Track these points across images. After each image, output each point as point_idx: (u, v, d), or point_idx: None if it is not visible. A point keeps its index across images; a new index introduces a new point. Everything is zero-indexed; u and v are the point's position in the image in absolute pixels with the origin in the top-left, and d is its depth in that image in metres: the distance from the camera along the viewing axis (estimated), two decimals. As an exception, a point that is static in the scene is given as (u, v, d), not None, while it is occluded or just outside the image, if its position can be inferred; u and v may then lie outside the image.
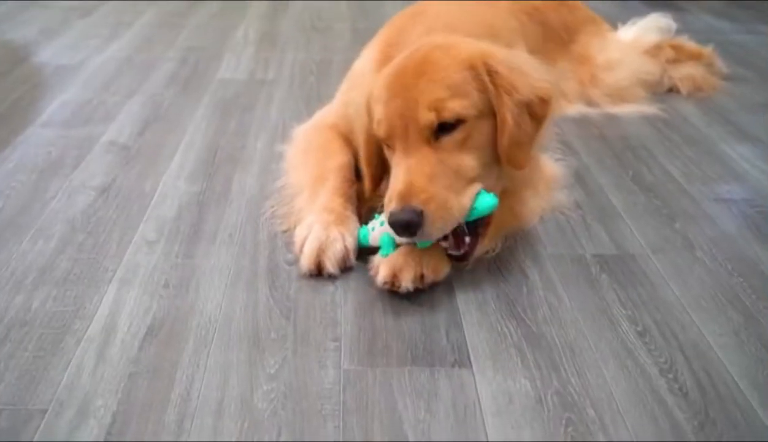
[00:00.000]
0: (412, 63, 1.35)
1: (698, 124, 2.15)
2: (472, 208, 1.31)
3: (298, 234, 1.44)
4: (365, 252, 1.44)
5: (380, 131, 1.36)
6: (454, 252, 1.35)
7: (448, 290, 1.36)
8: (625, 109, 2.22)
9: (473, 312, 1.31)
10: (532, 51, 2.02)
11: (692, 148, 1.99)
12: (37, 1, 3.42)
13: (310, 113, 1.92)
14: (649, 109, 2.23)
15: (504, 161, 1.36)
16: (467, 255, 1.35)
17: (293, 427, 1.06)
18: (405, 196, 1.26)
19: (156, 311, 1.30)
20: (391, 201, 1.28)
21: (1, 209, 1.62)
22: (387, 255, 1.34)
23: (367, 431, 1.05)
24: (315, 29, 3.10)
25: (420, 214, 1.24)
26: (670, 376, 1.17)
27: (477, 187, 1.33)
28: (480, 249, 1.39)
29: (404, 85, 1.33)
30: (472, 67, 1.32)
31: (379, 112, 1.36)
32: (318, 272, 1.39)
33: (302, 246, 1.41)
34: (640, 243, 1.54)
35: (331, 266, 1.38)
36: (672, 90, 2.38)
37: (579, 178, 1.79)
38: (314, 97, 2.28)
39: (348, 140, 1.63)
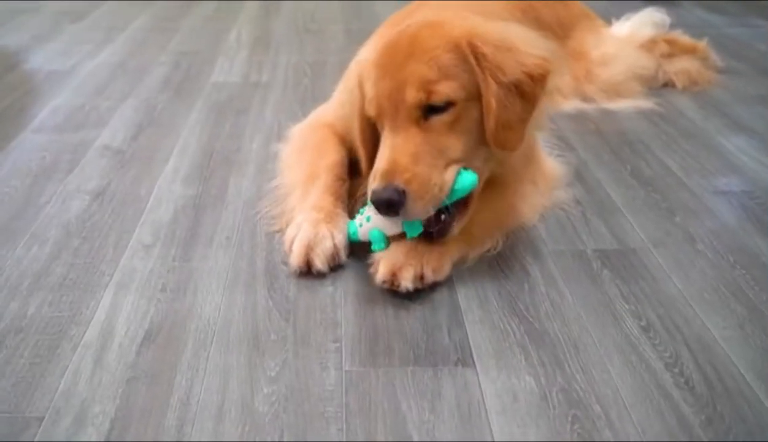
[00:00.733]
0: (402, 42, 1.33)
1: (694, 118, 2.15)
2: (453, 189, 1.30)
3: (288, 233, 1.44)
4: (363, 251, 1.43)
5: (371, 110, 1.35)
6: (430, 229, 1.33)
7: (449, 288, 1.35)
8: (620, 104, 2.22)
9: (475, 310, 1.30)
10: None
11: (689, 141, 1.99)
12: (28, 7, 3.40)
13: (305, 114, 1.91)
14: (645, 103, 2.22)
15: (492, 144, 1.33)
16: (443, 231, 1.33)
17: (295, 430, 1.04)
18: (388, 174, 1.25)
19: (153, 315, 1.28)
20: (374, 179, 1.27)
21: (-6, 216, 1.60)
22: (380, 250, 1.34)
23: (370, 433, 1.04)
24: (308, 31, 3.09)
25: (402, 193, 1.24)
26: (676, 370, 1.16)
27: (458, 167, 1.32)
28: (459, 226, 1.36)
29: (394, 64, 1.31)
30: (458, 48, 1.30)
31: (369, 90, 1.35)
32: (307, 270, 1.38)
33: (291, 245, 1.40)
34: (640, 237, 1.52)
35: (320, 264, 1.37)
36: (667, 84, 2.37)
37: (577, 174, 1.78)
38: (309, 98, 2.27)
39: (343, 139, 1.62)
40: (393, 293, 1.31)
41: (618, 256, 1.46)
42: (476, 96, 1.32)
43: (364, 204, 1.39)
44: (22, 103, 2.26)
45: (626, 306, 1.31)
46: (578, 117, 2.15)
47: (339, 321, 1.27)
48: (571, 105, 2.19)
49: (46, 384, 1.13)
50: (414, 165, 1.26)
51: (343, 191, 1.52)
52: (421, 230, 1.32)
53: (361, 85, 1.40)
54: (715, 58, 2.49)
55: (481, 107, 1.32)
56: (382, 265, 1.31)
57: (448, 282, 1.36)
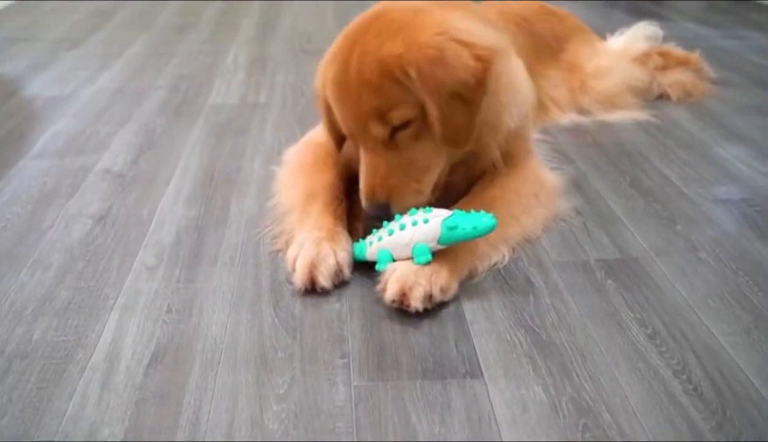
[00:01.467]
0: (350, 73, 1.39)
1: (691, 129, 2.17)
2: (471, 228, 1.32)
3: (290, 253, 1.44)
4: (367, 267, 1.43)
5: (343, 130, 1.48)
6: None
7: (455, 301, 1.35)
8: (617, 116, 2.24)
9: (481, 322, 1.30)
10: (524, 61, 2.04)
11: (687, 151, 2.00)
12: (23, 35, 3.43)
13: (304, 134, 1.92)
14: (641, 115, 2.24)
15: (445, 144, 1.43)
16: None
17: (306, 446, 1.04)
18: (370, 195, 1.43)
19: (160, 336, 1.28)
20: (363, 196, 1.45)
21: (-3, 242, 1.61)
22: (383, 270, 1.36)
23: (381, 447, 1.03)
24: (304, 52, 3.12)
25: (386, 205, 1.42)
26: (684, 377, 1.16)
27: (437, 169, 1.46)
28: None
29: (349, 96, 1.41)
30: (394, 76, 1.36)
31: (336, 112, 1.46)
32: (312, 288, 1.38)
33: (294, 264, 1.41)
34: (642, 247, 1.53)
35: (324, 281, 1.37)
36: (662, 96, 2.40)
37: (577, 186, 1.79)
38: (307, 118, 2.28)
39: (337, 158, 1.63)
40: (400, 309, 1.31)
41: (621, 265, 1.47)
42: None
43: (379, 226, 1.43)
44: (22, 130, 2.27)
45: (632, 315, 1.31)
46: (575, 130, 2.17)
47: (346, 337, 1.27)
48: (567, 118, 2.21)
49: (54, 408, 1.12)
50: (389, 180, 1.42)
51: (341, 210, 1.53)
52: (430, 258, 1.32)
53: (323, 86, 1.49)
54: (708, 69, 2.52)
55: None
56: (392, 284, 1.30)
57: (454, 295, 1.36)
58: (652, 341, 1.24)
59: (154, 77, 2.78)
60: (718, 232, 1.59)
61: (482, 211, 1.35)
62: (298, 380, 1.17)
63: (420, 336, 1.26)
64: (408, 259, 1.34)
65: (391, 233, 1.35)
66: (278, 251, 1.53)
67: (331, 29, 3.45)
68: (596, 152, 2.01)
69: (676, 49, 2.52)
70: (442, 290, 1.31)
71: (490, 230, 1.33)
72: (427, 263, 1.32)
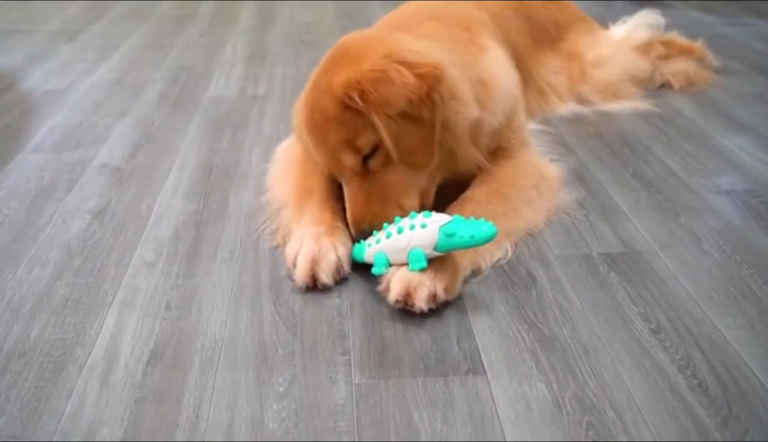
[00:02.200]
0: (314, 110, 1.43)
1: (693, 118, 2.14)
2: (469, 236, 1.28)
3: (290, 249, 1.43)
4: (368, 264, 1.42)
5: (324, 167, 1.51)
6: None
7: (456, 297, 1.34)
8: (618, 105, 2.21)
9: (483, 318, 1.29)
10: (519, 46, 2.03)
11: (689, 141, 1.98)
12: (20, 27, 3.40)
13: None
14: (643, 105, 2.22)
15: (407, 166, 1.42)
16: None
17: (307, 445, 1.03)
18: (355, 224, 1.43)
19: (159, 333, 1.27)
20: (350, 226, 1.44)
21: (-6, 238, 1.59)
22: (379, 274, 1.33)
23: (383, 446, 1.02)
24: (303, 43, 3.09)
25: (370, 233, 1.40)
26: (689, 372, 1.15)
27: (417, 189, 1.45)
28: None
29: (320, 134, 1.44)
30: (345, 105, 1.37)
31: (312, 150, 1.49)
32: (313, 285, 1.37)
33: (294, 261, 1.39)
34: (646, 239, 1.52)
35: (325, 277, 1.36)
36: (664, 86, 2.37)
37: (579, 177, 1.78)
38: (307, 109, 2.26)
39: None
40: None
41: (624, 259, 1.45)
42: None
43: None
44: (19, 124, 2.25)
45: (635, 309, 1.30)
46: (576, 120, 2.15)
47: (347, 333, 1.26)
48: (567, 107, 2.19)
49: (53, 408, 1.11)
50: (368, 208, 1.42)
51: (338, 207, 1.52)
52: (424, 265, 1.28)
53: (299, 129, 1.54)
54: (711, 58, 2.49)
55: None
56: (396, 284, 1.28)
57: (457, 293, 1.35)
58: (656, 336, 1.23)
59: (152, 69, 2.76)
60: (722, 223, 1.57)
61: (482, 220, 1.30)
62: (299, 378, 1.16)
63: (421, 333, 1.25)
64: (404, 264, 1.31)
65: (389, 237, 1.33)
66: (276, 246, 1.51)
67: (330, 20, 3.43)
68: (598, 143, 1.99)
69: (679, 38, 2.49)
70: (446, 290, 1.29)
71: (490, 239, 1.28)
72: (422, 270, 1.28)
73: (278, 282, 1.41)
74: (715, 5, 3.39)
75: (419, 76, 1.36)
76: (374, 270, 1.34)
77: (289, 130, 2.03)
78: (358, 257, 1.41)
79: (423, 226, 1.30)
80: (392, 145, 1.37)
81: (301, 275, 1.37)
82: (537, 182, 1.56)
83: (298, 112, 1.53)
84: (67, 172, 1.89)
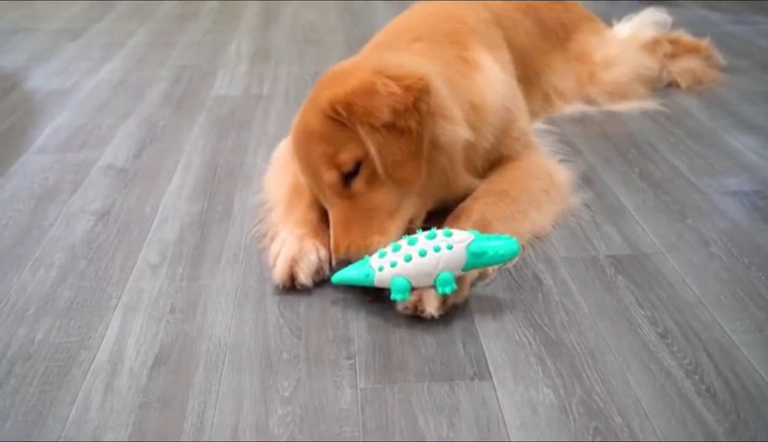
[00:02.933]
0: (300, 129, 1.42)
1: (701, 118, 2.13)
2: (497, 254, 1.26)
3: (273, 248, 1.44)
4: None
5: (311, 194, 1.48)
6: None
7: (462, 301, 1.33)
8: (625, 105, 2.20)
9: (489, 322, 1.28)
10: (528, 48, 2.01)
11: (697, 141, 1.97)
12: (24, 26, 3.40)
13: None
14: (650, 104, 2.20)
15: (391, 183, 1.36)
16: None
17: (312, 451, 1.02)
18: (335, 251, 1.36)
19: (163, 337, 1.27)
20: (333, 254, 1.37)
21: (-2, 240, 1.59)
22: (401, 300, 1.26)
23: (389, 452, 1.02)
24: (307, 42, 3.08)
25: (348, 262, 1.33)
26: (696, 377, 1.14)
27: (405, 214, 1.39)
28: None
29: (303, 153, 1.42)
30: (330, 118, 1.34)
31: (298, 170, 1.48)
32: (291, 285, 1.37)
33: (276, 259, 1.40)
34: (653, 241, 1.51)
35: (304, 278, 1.36)
36: (671, 85, 2.35)
37: (585, 178, 1.76)
38: (311, 109, 2.25)
39: None
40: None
41: (631, 261, 1.44)
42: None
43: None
44: (23, 124, 2.24)
45: (642, 313, 1.29)
46: (582, 120, 2.14)
47: (351, 337, 1.25)
48: (574, 108, 2.18)
49: (57, 412, 1.11)
50: (348, 236, 1.35)
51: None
52: (455, 288, 1.25)
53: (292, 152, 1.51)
54: (718, 56, 2.47)
55: None
56: None
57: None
58: (663, 340, 1.22)
59: (156, 68, 2.75)
60: (730, 225, 1.56)
61: (497, 234, 1.29)
62: (304, 382, 1.15)
63: (427, 337, 1.24)
64: (430, 287, 1.26)
65: (408, 259, 1.24)
66: (264, 248, 1.50)
67: (334, 18, 3.41)
68: (604, 143, 1.98)
69: (686, 37, 2.48)
70: (455, 294, 1.28)
71: (515, 254, 1.27)
72: (452, 292, 1.26)
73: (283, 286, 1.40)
74: (722, 3, 3.37)
75: (405, 88, 1.33)
76: (394, 296, 1.25)
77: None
78: (363, 280, 1.28)
79: (449, 247, 1.24)
80: (378, 157, 1.32)
81: (279, 273, 1.37)
82: (547, 186, 1.55)
83: (291, 132, 1.52)
84: (71, 174, 1.89)
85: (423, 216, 1.46)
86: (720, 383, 1.12)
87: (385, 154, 1.32)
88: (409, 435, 1.05)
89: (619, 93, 2.20)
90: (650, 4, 2.65)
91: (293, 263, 1.37)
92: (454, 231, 1.27)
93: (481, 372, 1.16)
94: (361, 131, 1.32)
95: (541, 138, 1.86)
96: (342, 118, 1.33)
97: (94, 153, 2.01)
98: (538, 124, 2.03)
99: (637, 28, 2.44)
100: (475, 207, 1.44)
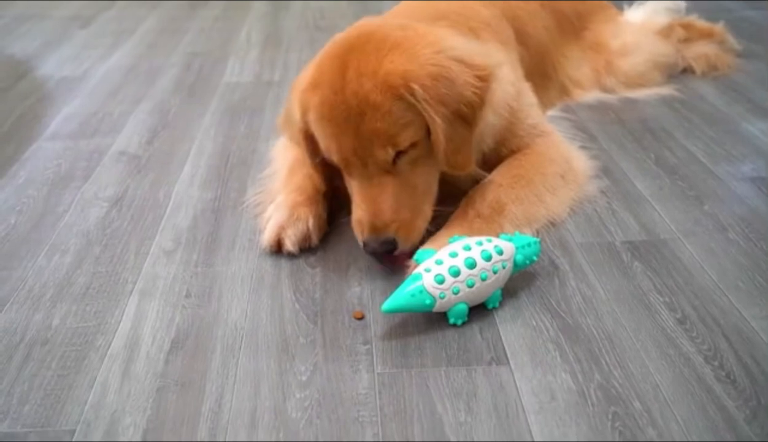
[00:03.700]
0: (348, 99, 1.31)
1: (716, 103, 2.11)
2: (522, 264, 1.29)
3: (267, 212, 1.47)
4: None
5: (334, 160, 1.37)
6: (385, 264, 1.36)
7: (478, 286, 1.32)
8: (641, 92, 2.18)
9: (506, 308, 1.27)
10: (545, 41, 1.99)
11: (713, 127, 1.95)
12: (35, 13, 3.39)
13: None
14: (665, 90, 2.18)
15: (446, 168, 1.37)
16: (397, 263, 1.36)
17: (330, 436, 1.02)
18: (377, 229, 1.32)
19: (180, 322, 1.27)
20: (362, 229, 1.34)
21: (13, 226, 1.59)
22: (458, 324, 1.23)
23: (407, 436, 1.02)
24: (318, 28, 3.06)
25: (393, 241, 1.33)
26: (716, 363, 1.13)
27: (434, 196, 1.40)
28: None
29: (349, 122, 1.31)
30: (401, 96, 1.29)
31: (326, 140, 1.36)
32: (278, 249, 1.41)
33: (267, 223, 1.44)
34: (669, 227, 1.49)
35: (290, 244, 1.40)
36: (686, 70, 2.33)
37: (601, 165, 1.74)
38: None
39: None
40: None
41: (648, 247, 1.43)
42: (428, 129, 1.34)
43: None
44: (35, 111, 2.24)
45: (660, 298, 1.28)
46: (597, 107, 2.12)
47: (368, 323, 1.25)
48: (590, 96, 2.15)
49: (75, 397, 1.11)
50: (397, 213, 1.33)
51: (329, 174, 1.51)
52: (500, 300, 1.27)
53: (304, 114, 1.39)
54: (732, 41, 2.44)
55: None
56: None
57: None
58: (682, 326, 1.21)
59: (167, 55, 2.75)
60: (747, 211, 1.54)
61: (517, 233, 1.33)
62: (321, 367, 1.15)
63: (443, 322, 1.23)
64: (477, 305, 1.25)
65: (471, 285, 1.21)
66: (258, 215, 1.53)
67: (344, 5, 3.39)
68: (620, 129, 1.96)
69: (699, 21, 2.45)
70: None
71: (538, 254, 1.32)
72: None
73: (298, 270, 1.40)
74: (736, -13, 3.32)
75: (479, 78, 1.33)
76: (453, 321, 1.22)
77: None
78: (425, 305, 1.20)
79: (504, 266, 1.24)
80: (444, 143, 1.30)
81: (266, 237, 1.42)
82: (563, 171, 1.53)
83: (306, 96, 1.38)
84: (84, 160, 1.89)
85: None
86: (740, 368, 1.12)
87: (448, 142, 1.31)
88: (427, 419, 1.04)
89: (636, 81, 2.17)
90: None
91: (281, 230, 1.41)
92: (502, 245, 1.25)
93: (499, 357, 1.16)
94: (433, 116, 1.29)
95: (557, 125, 1.84)
96: (415, 98, 1.29)
97: (107, 140, 2.01)
98: (553, 112, 2.01)
99: (650, 14, 2.41)
100: (490, 189, 1.44)
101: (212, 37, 2.97)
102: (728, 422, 1.02)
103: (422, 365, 1.15)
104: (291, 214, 1.43)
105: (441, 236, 1.35)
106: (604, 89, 2.17)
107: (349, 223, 1.41)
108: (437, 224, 1.41)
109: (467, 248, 1.23)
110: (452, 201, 1.46)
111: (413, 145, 1.33)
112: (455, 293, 1.20)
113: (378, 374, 1.13)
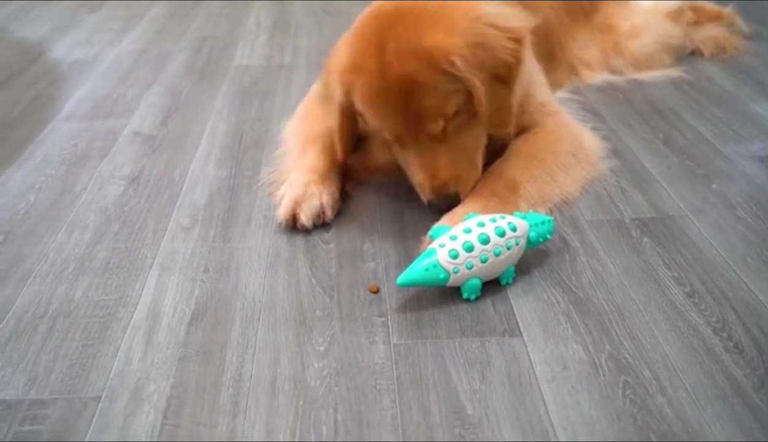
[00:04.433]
0: (393, 80, 1.35)
1: (724, 85, 2.12)
2: (543, 239, 1.32)
3: (281, 190, 1.52)
4: (400, 225, 1.44)
5: (387, 135, 1.44)
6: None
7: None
8: (649, 74, 2.19)
9: (518, 282, 1.30)
10: (552, 21, 2.00)
11: (721, 108, 1.96)
12: (45, -1, 3.42)
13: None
14: (673, 72, 2.19)
15: (490, 128, 1.45)
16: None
17: (349, 403, 1.05)
18: (441, 189, 1.41)
19: (199, 295, 1.30)
20: (425, 191, 1.43)
21: (33, 203, 1.62)
22: (471, 299, 1.25)
23: (423, 404, 1.05)
24: (326, 13, 3.08)
25: (456, 195, 1.42)
26: (724, 334, 1.15)
27: (482, 149, 1.47)
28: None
29: (398, 102, 1.36)
30: (443, 70, 1.34)
31: (375, 121, 1.43)
32: (293, 224, 1.45)
33: (282, 199, 1.48)
34: (678, 205, 1.52)
35: (305, 219, 1.44)
36: (694, 52, 2.34)
37: (609, 144, 1.76)
38: (333, 78, 2.26)
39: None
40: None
41: (657, 224, 1.45)
42: (470, 93, 1.39)
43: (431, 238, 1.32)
44: (49, 94, 2.27)
45: (669, 273, 1.31)
46: (605, 88, 2.13)
47: (383, 296, 1.28)
48: (598, 77, 2.17)
49: (100, 365, 1.15)
50: (453, 172, 1.41)
51: (336, 156, 1.56)
52: (513, 276, 1.29)
53: (347, 95, 1.43)
54: (741, 23, 2.45)
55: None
56: None
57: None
58: (690, 299, 1.24)
59: (176, 39, 2.77)
60: (756, 190, 1.56)
61: (531, 211, 1.36)
62: (338, 338, 1.18)
63: (456, 296, 1.26)
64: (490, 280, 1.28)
65: (484, 260, 1.23)
66: (271, 193, 1.57)
67: (353, -12, 3.40)
68: (628, 110, 1.98)
69: (708, 4, 2.45)
70: None
71: (551, 232, 1.34)
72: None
73: (313, 247, 1.43)
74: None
75: (513, 40, 1.39)
76: (467, 296, 1.25)
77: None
78: (438, 280, 1.22)
79: (517, 242, 1.26)
80: (486, 106, 1.37)
81: (282, 212, 1.46)
82: (574, 150, 1.56)
83: (348, 77, 1.41)
84: (99, 140, 1.92)
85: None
86: (748, 339, 1.14)
87: (489, 103, 1.38)
88: (443, 387, 1.07)
89: (644, 63, 2.18)
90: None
91: (296, 205, 1.45)
92: (516, 222, 1.27)
93: (511, 329, 1.19)
94: (475, 83, 1.35)
95: (565, 106, 1.86)
96: (456, 70, 1.34)
97: (121, 121, 2.04)
98: (561, 93, 2.02)
99: (659, -3, 2.42)
100: (505, 169, 1.46)
101: (221, 22, 2.98)
102: (736, 389, 1.05)
103: (437, 336, 1.18)
104: (305, 191, 1.47)
105: (456, 213, 1.37)
106: (613, 71, 2.18)
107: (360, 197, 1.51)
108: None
109: (481, 225, 1.26)
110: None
111: (457, 111, 1.39)
112: (469, 268, 1.23)
113: (394, 344, 1.16)
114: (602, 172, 1.62)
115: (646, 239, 1.41)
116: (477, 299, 1.25)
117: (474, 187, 1.44)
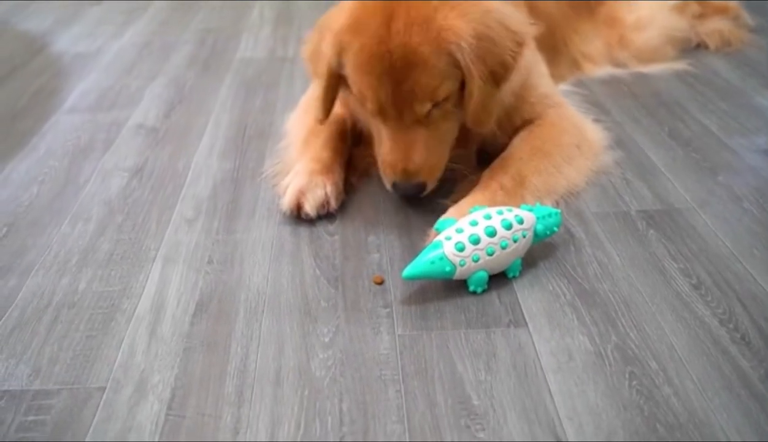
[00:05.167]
0: (396, 50, 1.32)
1: (730, 78, 2.11)
2: (550, 232, 1.31)
3: (286, 180, 1.52)
4: (405, 217, 1.44)
5: (367, 106, 1.41)
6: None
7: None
8: (654, 67, 2.18)
9: (523, 274, 1.29)
10: (555, 16, 1.99)
11: (726, 101, 1.96)
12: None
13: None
14: (679, 65, 2.18)
15: (471, 125, 1.43)
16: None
17: (354, 393, 1.05)
18: (410, 173, 1.41)
19: (203, 286, 1.29)
20: (392, 172, 1.42)
21: (36, 195, 1.62)
22: (478, 292, 1.24)
23: (429, 394, 1.04)
24: (330, 5, 3.06)
25: (423, 185, 1.42)
26: (731, 325, 1.15)
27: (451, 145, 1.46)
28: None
29: (394, 74, 1.34)
30: (448, 51, 1.33)
31: (363, 88, 1.39)
32: (297, 214, 1.45)
33: (286, 189, 1.48)
34: (684, 197, 1.51)
35: (309, 209, 1.44)
36: (699, 46, 2.33)
37: (614, 137, 1.75)
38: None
39: (345, 101, 1.62)
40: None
41: (663, 216, 1.45)
42: (461, 82, 1.39)
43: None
44: (52, 86, 2.26)
45: (675, 265, 1.30)
46: (610, 81, 2.12)
47: (387, 287, 1.27)
48: (602, 71, 2.16)
49: (104, 356, 1.14)
50: (427, 159, 1.41)
51: (342, 147, 1.58)
52: (520, 269, 1.29)
53: (338, 55, 1.41)
54: (746, 17, 2.44)
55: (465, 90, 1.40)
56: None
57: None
58: (697, 291, 1.23)
59: (180, 31, 2.76)
60: (762, 182, 1.56)
61: (538, 204, 1.35)
62: (343, 329, 1.18)
63: (461, 288, 1.26)
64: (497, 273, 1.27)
65: (491, 253, 1.22)
66: (275, 185, 1.57)
67: (356, -19, 3.39)
68: (633, 103, 1.97)
69: (713, -3, 2.44)
70: None
71: (559, 225, 1.33)
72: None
73: (317, 238, 1.42)
74: (750, -36, 3.30)
75: (518, 43, 1.38)
76: (473, 288, 1.24)
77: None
78: (445, 273, 1.21)
79: (524, 235, 1.25)
80: (477, 100, 1.36)
81: (287, 201, 1.46)
82: (578, 141, 1.55)
83: (344, 38, 1.38)
84: (103, 132, 1.91)
85: None
86: (755, 331, 1.14)
87: (480, 99, 1.37)
88: (448, 378, 1.07)
89: (649, 56, 2.17)
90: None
91: (300, 194, 1.45)
92: (523, 215, 1.26)
93: (517, 320, 1.18)
94: (474, 73, 1.34)
95: (569, 99, 1.85)
96: (459, 52, 1.33)
97: (124, 113, 2.03)
98: (565, 86, 2.02)
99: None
100: (511, 162, 1.46)
101: (224, 15, 2.97)
102: (743, 379, 1.05)
103: (442, 327, 1.17)
104: (309, 181, 1.47)
105: (463, 205, 1.37)
106: (617, 64, 2.17)
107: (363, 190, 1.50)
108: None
109: (488, 217, 1.25)
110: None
111: (446, 98, 1.38)
112: (475, 261, 1.22)
113: (399, 335, 1.16)
114: (606, 163, 1.61)
115: (651, 231, 1.40)
116: (482, 291, 1.25)
117: (437, 178, 1.44)
